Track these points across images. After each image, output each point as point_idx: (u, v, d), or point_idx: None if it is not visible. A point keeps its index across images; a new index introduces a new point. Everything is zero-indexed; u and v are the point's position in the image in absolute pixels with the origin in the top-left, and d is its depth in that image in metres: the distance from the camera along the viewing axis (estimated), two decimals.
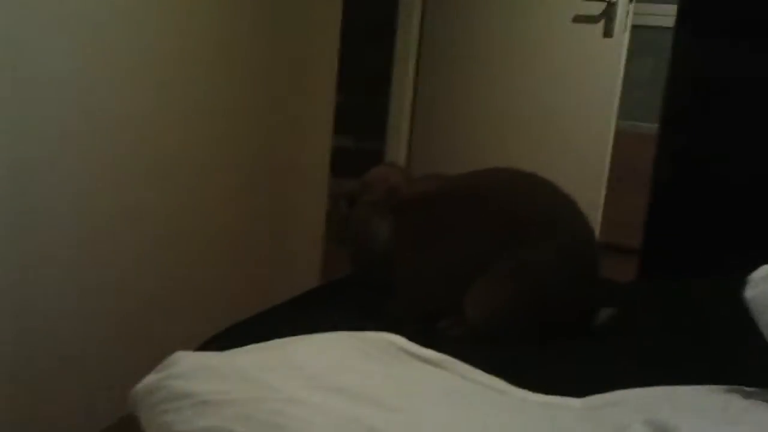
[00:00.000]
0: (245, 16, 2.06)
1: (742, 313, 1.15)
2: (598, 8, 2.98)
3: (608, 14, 2.96)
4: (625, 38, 2.99)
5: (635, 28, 3.11)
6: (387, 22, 3.28)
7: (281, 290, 1.86)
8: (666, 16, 2.84)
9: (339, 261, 2.72)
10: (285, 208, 2.43)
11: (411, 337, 1.22)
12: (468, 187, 1.52)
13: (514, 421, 1.03)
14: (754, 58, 2.00)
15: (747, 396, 1.05)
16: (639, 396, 1.13)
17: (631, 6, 2.98)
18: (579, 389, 1.14)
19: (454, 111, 3.25)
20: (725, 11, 2.02)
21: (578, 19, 3.01)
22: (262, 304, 1.57)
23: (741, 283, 1.15)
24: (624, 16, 2.96)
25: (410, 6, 3.19)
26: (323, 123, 2.56)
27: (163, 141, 1.84)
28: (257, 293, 2.19)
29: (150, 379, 1.04)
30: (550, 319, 1.37)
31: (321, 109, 2.53)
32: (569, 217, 1.47)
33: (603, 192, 3.05)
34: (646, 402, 1.10)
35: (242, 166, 2.15)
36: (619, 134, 3.09)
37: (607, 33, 2.98)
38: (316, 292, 1.73)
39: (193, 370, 1.02)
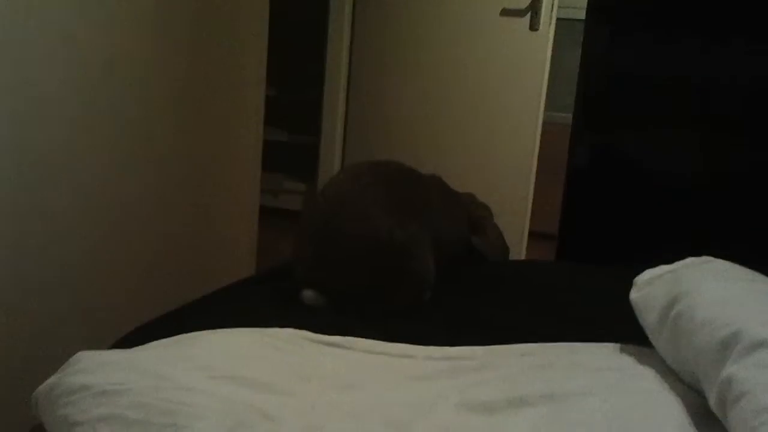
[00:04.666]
0: (172, 8, 2.05)
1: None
2: (524, 2, 3.05)
3: (534, 8, 3.04)
4: (551, 31, 3.06)
5: (561, 21, 3.19)
6: (319, 15, 3.30)
7: (217, 284, 1.87)
8: None
9: (274, 254, 2.76)
10: (218, 202, 2.43)
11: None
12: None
13: (412, 384, 1.09)
14: (664, 50, 2.07)
15: (639, 359, 1.11)
16: (542, 349, 1.20)
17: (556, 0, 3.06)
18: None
19: (387, 104, 3.29)
20: (634, 3, 2.09)
21: (505, 12, 3.08)
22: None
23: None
24: (549, 9, 3.04)
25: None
26: (254, 116, 2.57)
27: (94, 138, 1.83)
28: (192, 288, 2.19)
29: (50, 379, 1.05)
30: None
31: (251, 103, 2.53)
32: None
33: (532, 182, 3.12)
34: (552, 355, 1.16)
35: (172, 159, 2.14)
36: (547, 125, 3.17)
37: (533, 26, 3.05)
38: (239, 286, 1.74)
39: (92, 366, 1.03)
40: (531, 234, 3.17)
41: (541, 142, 3.14)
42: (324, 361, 1.16)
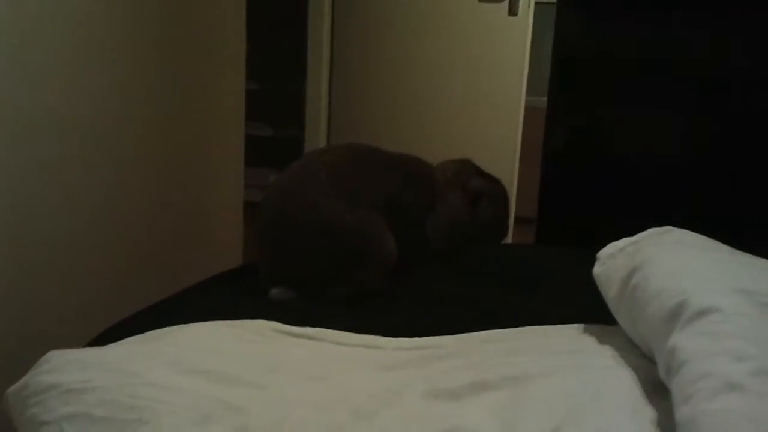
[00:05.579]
0: (146, 1, 2.05)
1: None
2: None
3: None
4: (530, 15, 3.06)
5: (540, 6, 3.19)
6: (299, 8, 3.30)
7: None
8: None
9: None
10: (202, 198, 2.44)
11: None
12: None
13: (380, 374, 1.10)
14: (639, 30, 2.08)
15: (601, 338, 1.12)
16: (508, 335, 1.21)
17: None
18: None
19: (370, 94, 3.30)
20: None
21: None
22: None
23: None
24: None
25: None
26: (235, 110, 2.57)
27: (72, 136, 1.83)
28: (177, 285, 2.20)
29: (22, 379, 1.06)
30: None
31: (232, 97, 2.54)
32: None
33: (516, 167, 3.14)
34: (517, 340, 1.18)
35: (152, 158, 2.14)
36: (530, 110, 3.18)
37: (512, 11, 3.05)
38: (215, 280, 1.75)
39: (61, 365, 1.05)
40: (517, 219, 3.17)
41: (523, 126, 3.15)
42: (293, 352, 1.18)
